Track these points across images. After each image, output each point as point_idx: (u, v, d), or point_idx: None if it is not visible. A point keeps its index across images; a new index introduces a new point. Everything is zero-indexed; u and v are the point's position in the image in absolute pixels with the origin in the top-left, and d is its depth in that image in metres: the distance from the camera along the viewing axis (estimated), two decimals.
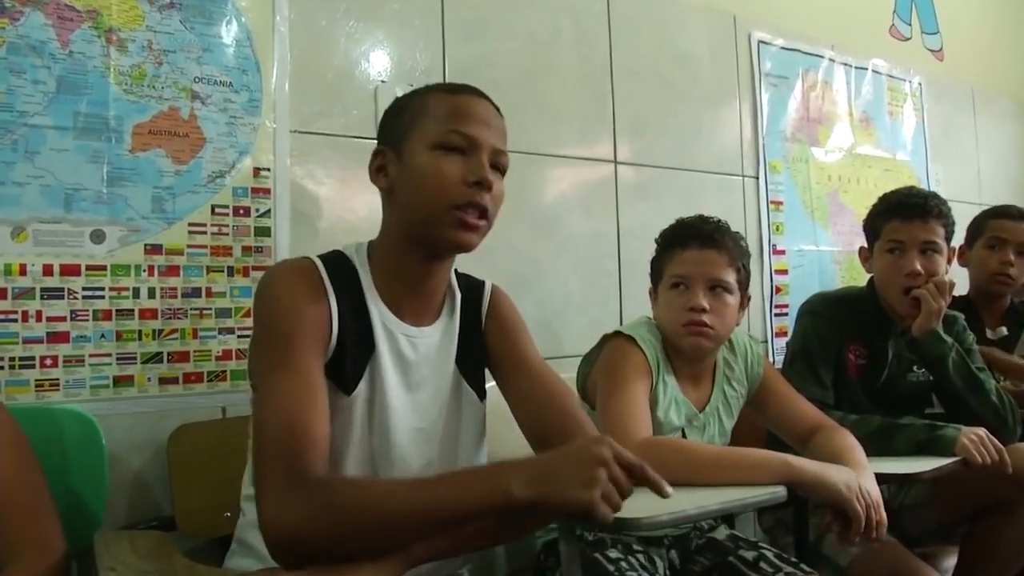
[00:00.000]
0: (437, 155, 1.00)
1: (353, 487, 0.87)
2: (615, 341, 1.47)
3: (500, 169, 1.04)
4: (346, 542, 0.81)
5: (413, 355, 1.06)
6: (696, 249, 1.45)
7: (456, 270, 1.15)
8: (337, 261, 1.05)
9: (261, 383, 0.94)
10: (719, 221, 1.50)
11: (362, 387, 1.02)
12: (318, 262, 1.02)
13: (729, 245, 1.46)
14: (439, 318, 1.11)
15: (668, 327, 1.47)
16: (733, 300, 1.46)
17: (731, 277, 1.45)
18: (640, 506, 0.98)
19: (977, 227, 2.17)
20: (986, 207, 2.24)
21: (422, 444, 1.07)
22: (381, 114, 1.67)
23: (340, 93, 1.69)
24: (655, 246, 1.56)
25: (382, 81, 1.74)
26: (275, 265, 1.04)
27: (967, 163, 3.23)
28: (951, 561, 1.68)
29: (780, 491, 1.17)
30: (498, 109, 1.08)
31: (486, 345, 1.14)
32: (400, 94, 1.72)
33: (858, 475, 1.25)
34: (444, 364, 1.10)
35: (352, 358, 1.01)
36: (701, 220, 1.50)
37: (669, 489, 0.86)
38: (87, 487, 1.29)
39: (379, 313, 1.04)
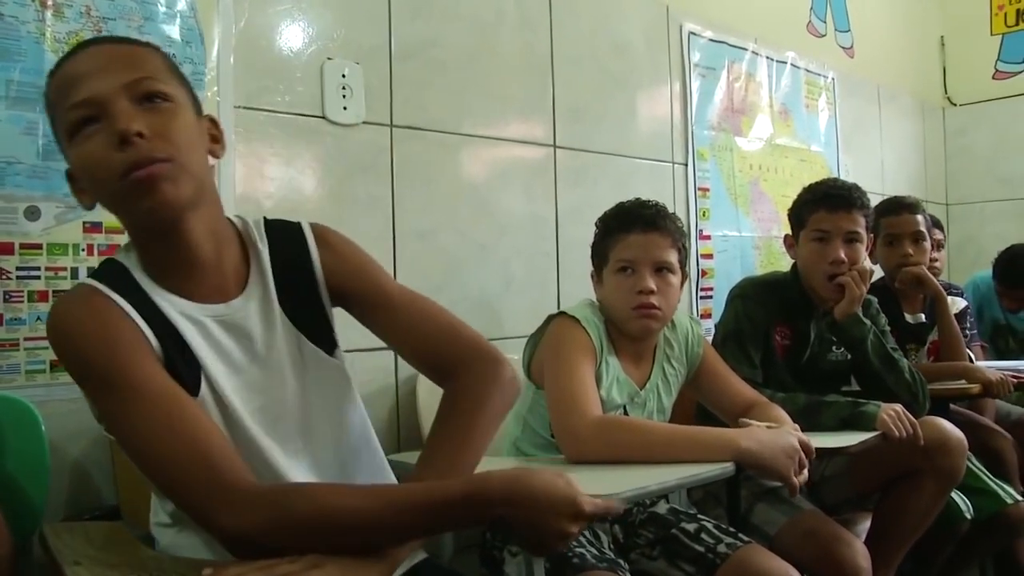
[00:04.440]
0: (78, 144, 0.88)
1: (310, 499, 0.84)
2: (560, 321, 1.50)
3: (155, 96, 0.89)
4: (308, 549, 0.81)
5: (228, 335, 0.96)
6: (640, 233, 1.50)
7: (265, 218, 1.05)
8: (111, 273, 0.93)
9: (122, 425, 0.86)
10: (657, 204, 1.56)
11: (203, 386, 0.93)
12: (94, 282, 0.91)
13: (671, 227, 1.53)
14: (248, 284, 0.99)
15: (616, 310, 1.51)
16: (676, 280, 1.52)
17: (674, 258, 1.51)
18: (604, 483, 1.03)
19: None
20: (888, 197, 2.40)
21: (276, 422, 0.98)
22: (327, 92, 1.69)
23: (285, 69, 1.65)
24: (595, 230, 1.60)
25: (328, 58, 1.70)
26: (55, 307, 0.91)
27: (873, 155, 3.44)
28: (864, 525, 1.81)
29: (729, 467, 1.25)
30: (134, 41, 0.97)
31: (330, 288, 1.04)
32: (346, 73, 1.72)
33: (792, 434, 1.35)
34: (270, 332, 0.99)
35: (181, 360, 0.92)
36: (641, 204, 1.56)
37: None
38: (27, 477, 1.23)
39: (173, 305, 0.93)
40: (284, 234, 1.03)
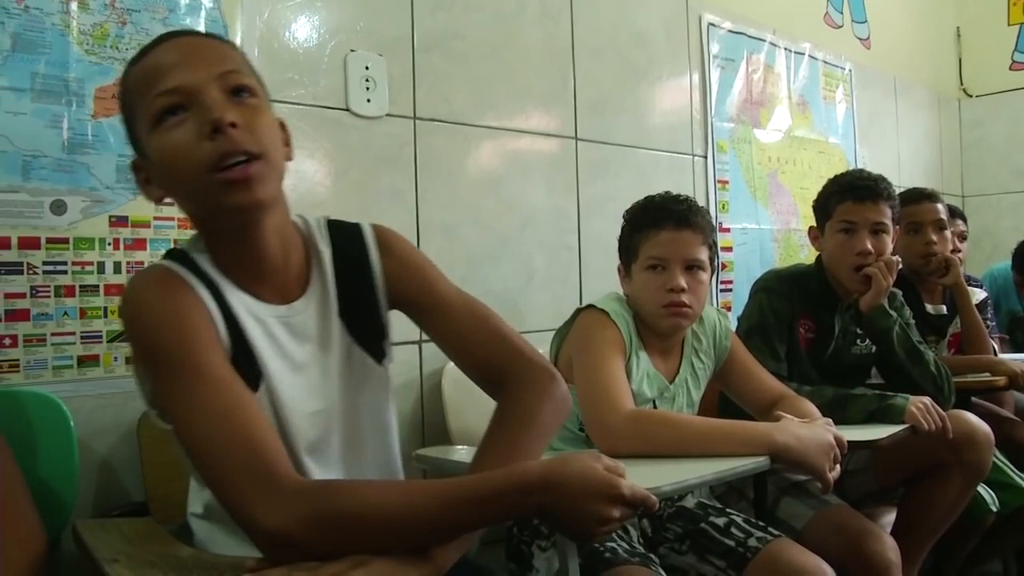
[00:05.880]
0: (161, 132, 0.86)
1: (354, 494, 0.82)
2: (589, 314, 1.49)
3: (242, 91, 0.88)
4: (348, 547, 0.79)
5: (289, 336, 0.96)
6: (671, 230, 1.47)
7: (328, 219, 1.04)
8: (187, 260, 0.93)
9: (180, 407, 0.85)
10: (688, 199, 1.53)
11: (261, 387, 0.94)
12: (173, 264, 0.92)
13: (702, 224, 1.50)
14: (309, 286, 0.99)
15: (646, 307, 1.49)
16: (706, 277, 1.50)
17: (704, 255, 1.49)
18: (642, 478, 1.01)
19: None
20: (904, 189, 2.37)
21: (323, 427, 0.99)
22: (351, 84, 1.68)
23: (309, 61, 1.64)
24: (622, 224, 1.58)
25: (351, 50, 1.69)
26: (133, 282, 0.91)
27: (889, 147, 3.42)
28: (887, 519, 1.80)
29: (764, 461, 1.23)
30: (216, 37, 0.97)
31: (389, 293, 1.03)
32: (369, 65, 1.71)
33: (827, 429, 1.33)
34: (326, 335, 0.99)
35: (244, 358, 0.92)
36: (672, 200, 1.53)
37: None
38: (56, 474, 1.22)
39: (242, 302, 0.93)
40: (345, 236, 1.02)
